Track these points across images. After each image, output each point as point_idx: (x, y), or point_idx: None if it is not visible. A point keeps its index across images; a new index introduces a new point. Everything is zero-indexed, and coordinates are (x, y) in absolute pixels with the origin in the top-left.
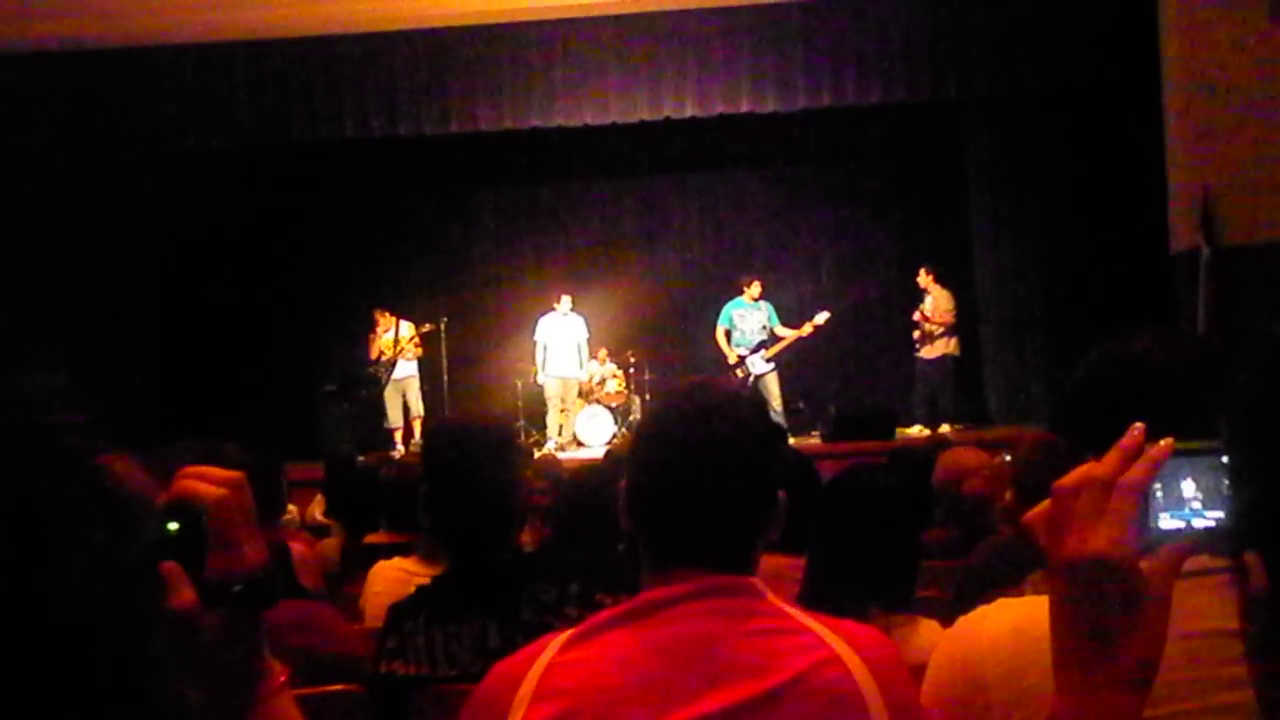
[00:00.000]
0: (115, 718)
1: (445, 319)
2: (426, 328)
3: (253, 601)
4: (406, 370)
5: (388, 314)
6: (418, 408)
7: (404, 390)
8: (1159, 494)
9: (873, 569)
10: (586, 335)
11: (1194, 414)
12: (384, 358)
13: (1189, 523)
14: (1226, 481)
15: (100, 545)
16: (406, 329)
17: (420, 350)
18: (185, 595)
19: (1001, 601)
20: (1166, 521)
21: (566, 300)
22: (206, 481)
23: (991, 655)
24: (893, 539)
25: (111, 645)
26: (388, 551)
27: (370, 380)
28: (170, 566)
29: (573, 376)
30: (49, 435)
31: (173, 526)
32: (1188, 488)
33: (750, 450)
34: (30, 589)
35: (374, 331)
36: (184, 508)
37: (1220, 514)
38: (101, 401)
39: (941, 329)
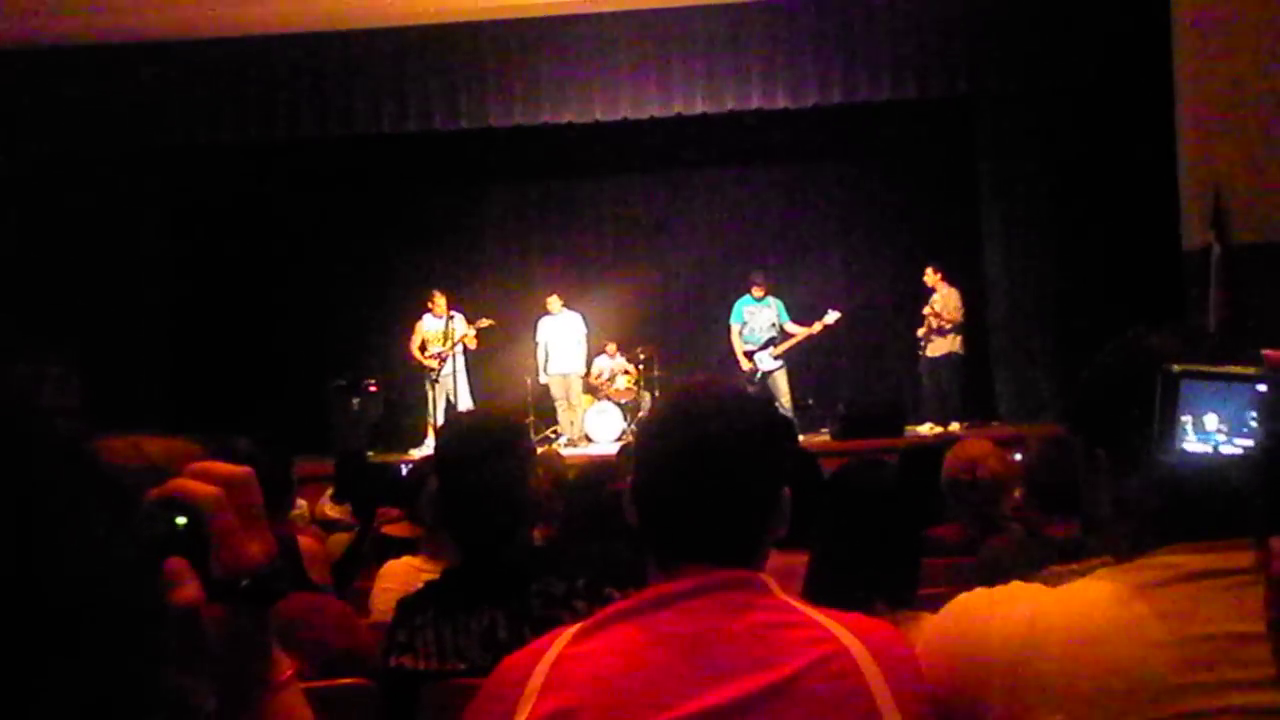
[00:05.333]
0: (115, 708)
1: (490, 317)
2: (484, 323)
3: (260, 596)
4: (452, 369)
5: (442, 300)
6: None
7: (448, 388)
8: (1188, 425)
9: (875, 564)
10: (585, 331)
11: None
12: (428, 350)
13: (1215, 447)
14: (1252, 413)
15: (95, 531)
16: (461, 323)
17: (475, 344)
18: (190, 590)
19: (1017, 585)
20: (1192, 444)
21: (556, 300)
22: (212, 477)
23: (1000, 641)
24: (895, 533)
25: (109, 634)
26: (398, 545)
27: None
28: (176, 561)
29: (573, 372)
30: (39, 421)
31: (181, 521)
32: (1211, 421)
33: (754, 447)
34: (24, 575)
35: (429, 310)
36: (180, 506)
37: (1248, 443)
38: (112, 395)
39: (950, 326)
